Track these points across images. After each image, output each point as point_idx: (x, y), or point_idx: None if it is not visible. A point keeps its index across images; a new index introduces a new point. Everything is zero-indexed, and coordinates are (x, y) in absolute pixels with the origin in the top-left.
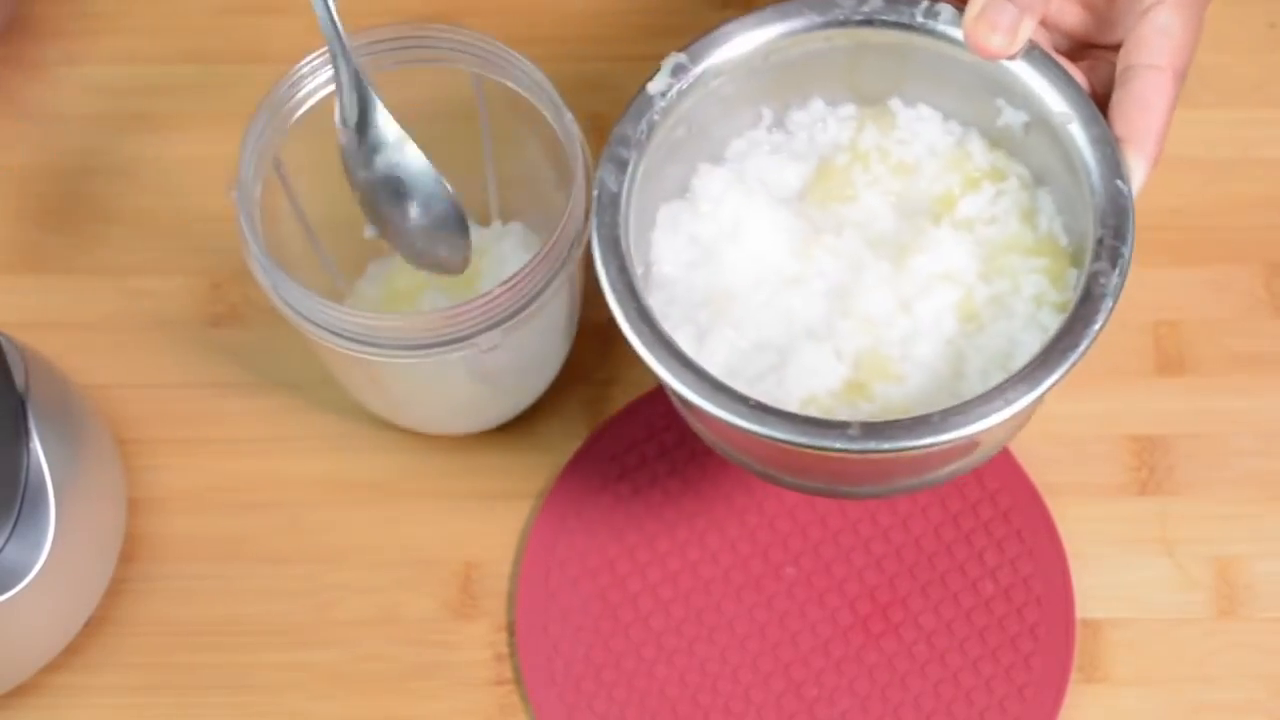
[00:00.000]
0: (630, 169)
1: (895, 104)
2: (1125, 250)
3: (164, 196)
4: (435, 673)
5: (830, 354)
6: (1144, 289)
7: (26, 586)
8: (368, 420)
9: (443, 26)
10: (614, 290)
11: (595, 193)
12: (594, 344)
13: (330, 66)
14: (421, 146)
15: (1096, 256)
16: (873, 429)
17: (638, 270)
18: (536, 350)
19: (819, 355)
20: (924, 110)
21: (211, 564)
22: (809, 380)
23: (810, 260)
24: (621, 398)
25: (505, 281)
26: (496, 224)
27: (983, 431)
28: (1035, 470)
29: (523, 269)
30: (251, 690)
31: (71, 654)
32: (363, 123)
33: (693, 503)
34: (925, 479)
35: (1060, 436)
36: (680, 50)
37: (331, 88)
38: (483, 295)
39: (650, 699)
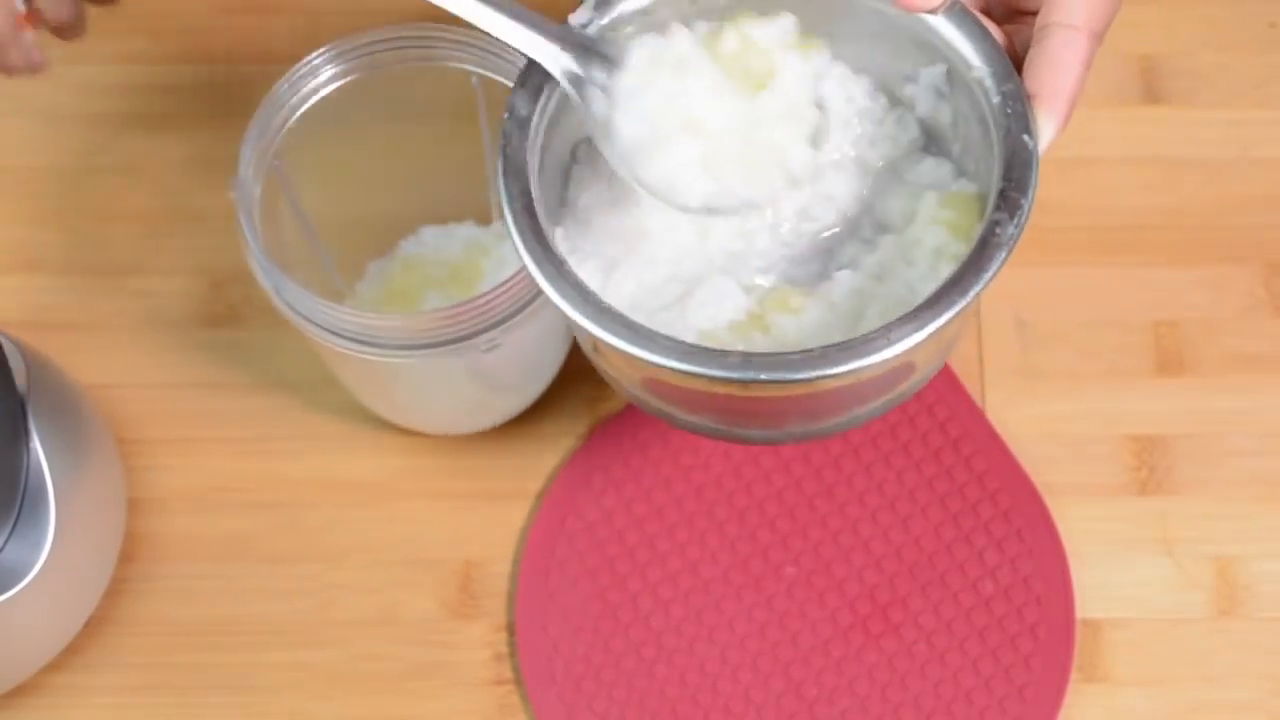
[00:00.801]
0: (544, 96)
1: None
2: (1025, 202)
3: (164, 196)
4: (435, 673)
5: (735, 288)
6: (1144, 289)
7: (26, 586)
8: (368, 420)
9: (443, 26)
10: (511, 207)
11: (506, 115)
12: None
13: (331, 65)
14: (422, 146)
15: (997, 207)
16: (752, 359)
17: (553, 198)
18: (536, 350)
19: (723, 288)
20: (832, 66)
21: (211, 564)
22: (712, 312)
23: (720, 191)
24: (621, 398)
25: (505, 281)
26: (497, 224)
27: (865, 368)
28: (1035, 470)
29: (522, 269)
30: (251, 690)
31: (71, 654)
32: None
33: (693, 503)
34: (820, 426)
35: (1060, 436)
36: None
37: (332, 87)
38: (483, 295)
39: (650, 699)
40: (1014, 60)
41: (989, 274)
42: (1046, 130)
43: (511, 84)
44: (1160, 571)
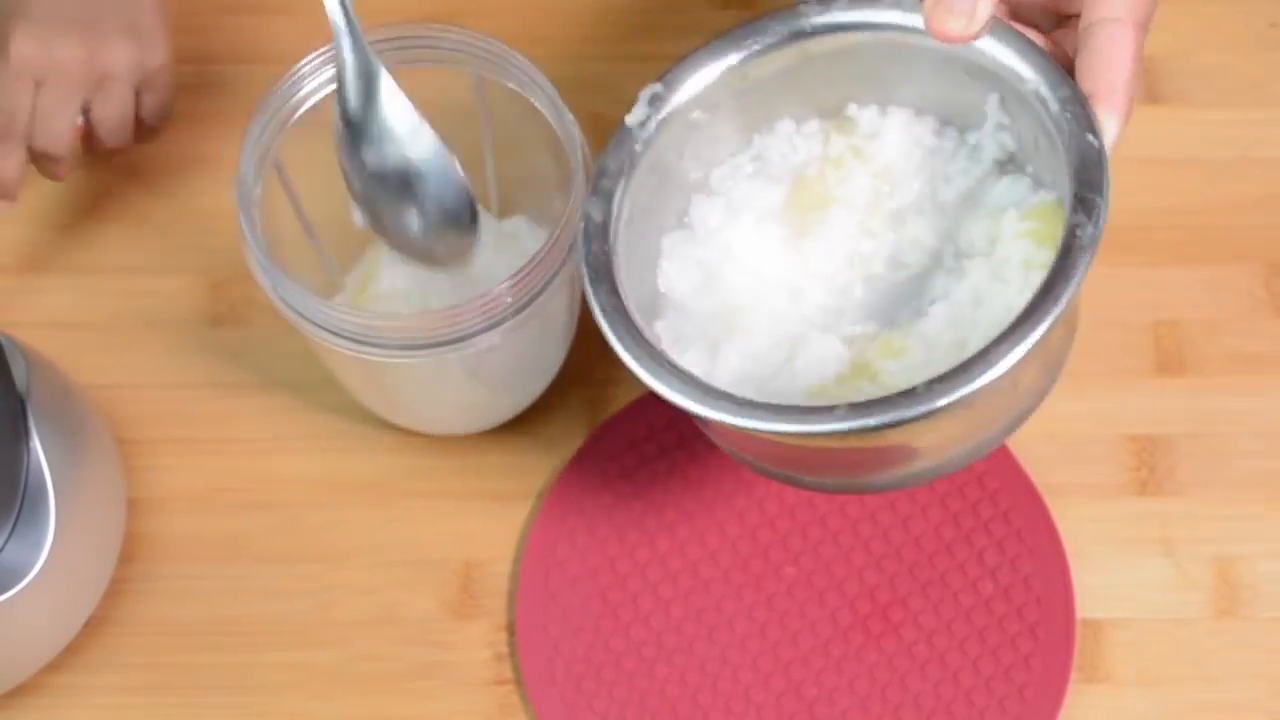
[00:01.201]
0: (616, 199)
1: (853, 110)
2: (1100, 202)
3: (164, 196)
4: (435, 673)
5: (834, 342)
6: (1144, 289)
7: (26, 586)
8: (368, 420)
9: (443, 26)
10: (603, 311)
11: (581, 224)
12: (594, 344)
13: (331, 64)
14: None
15: (1074, 210)
16: (859, 407)
17: (648, 294)
18: (536, 350)
19: (824, 344)
20: (891, 110)
21: (211, 564)
22: (817, 369)
23: (804, 259)
24: (621, 398)
25: (505, 281)
26: (497, 224)
27: (970, 395)
28: (1035, 470)
29: (522, 269)
30: (251, 690)
31: (71, 654)
32: (368, 111)
33: (693, 503)
34: (947, 459)
35: (1060, 436)
36: (656, 80)
37: (332, 87)
38: (483, 295)
39: (650, 699)
40: (1066, 65)
41: (1077, 278)
42: (1110, 127)
43: (511, 84)
44: (1160, 571)
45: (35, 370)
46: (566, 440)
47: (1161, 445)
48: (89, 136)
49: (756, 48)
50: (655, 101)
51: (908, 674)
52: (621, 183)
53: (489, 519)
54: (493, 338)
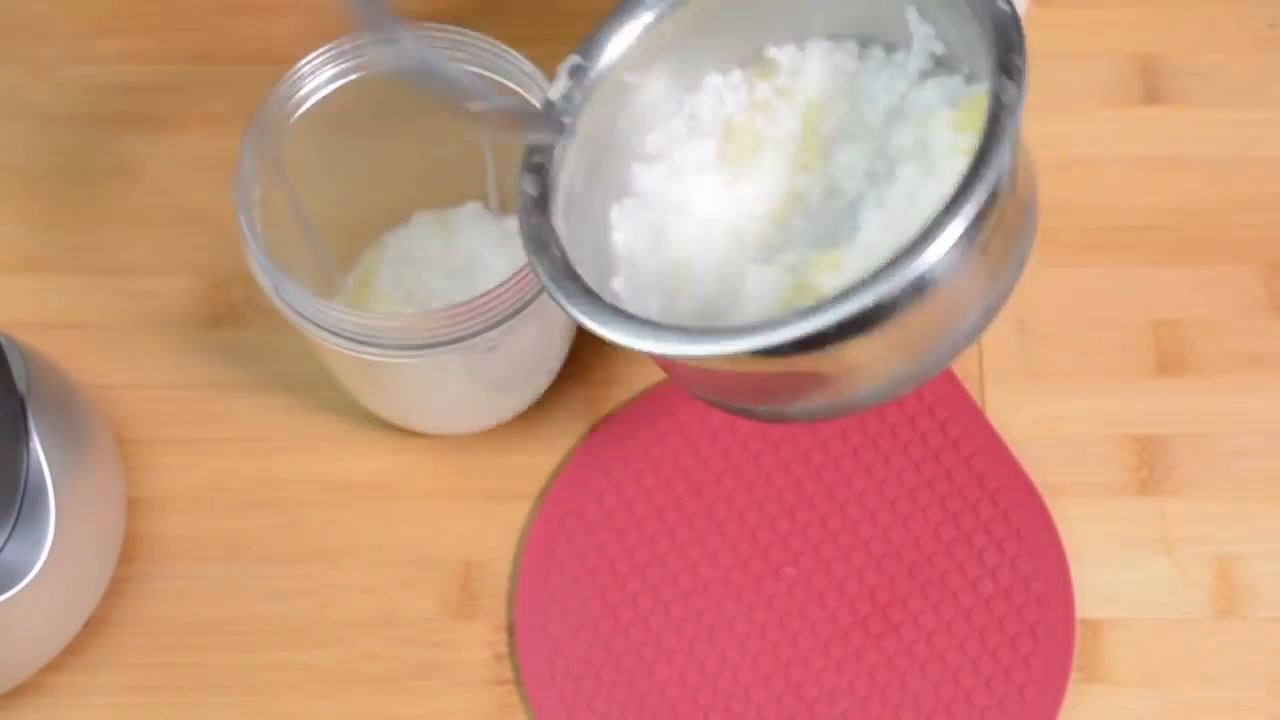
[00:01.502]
0: (552, 171)
1: (772, 51)
2: (1019, 60)
3: (164, 196)
4: (434, 673)
5: (776, 271)
6: (1144, 289)
7: (26, 586)
8: (368, 420)
9: (443, 26)
10: (548, 274)
11: (519, 201)
12: (594, 344)
13: (331, 64)
14: (421, 146)
15: (995, 75)
16: (819, 306)
17: (604, 264)
18: (536, 350)
19: (763, 277)
20: (809, 44)
21: (211, 564)
22: (764, 299)
23: (743, 203)
24: (621, 398)
25: (505, 281)
26: (495, 224)
27: (928, 272)
28: (1035, 470)
29: (522, 268)
30: (251, 690)
31: (71, 654)
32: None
33: (693, 503)
34: (926, 360)
35: (1060, 436)
36: (574, 52)
37: (332, 86)
38: (483, 295)
39: (650, 699)
40: None
41: (1006, 139)
42: None
43: (512, 84)
44: (1160, 571)
45: (35, 370)
46: (566, 440)
47: (1161, 445)
48: None
49: (668, 2)
50: (576, 73)
51: (908, 674)
52: (555, 154)
53: (489, 519)
54: (492, 338)
